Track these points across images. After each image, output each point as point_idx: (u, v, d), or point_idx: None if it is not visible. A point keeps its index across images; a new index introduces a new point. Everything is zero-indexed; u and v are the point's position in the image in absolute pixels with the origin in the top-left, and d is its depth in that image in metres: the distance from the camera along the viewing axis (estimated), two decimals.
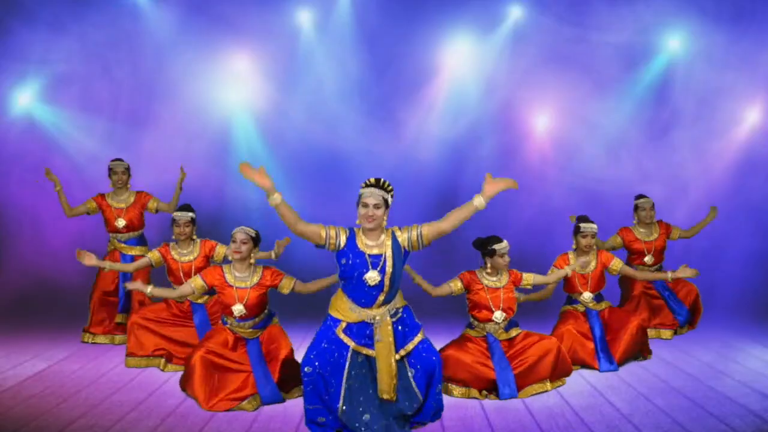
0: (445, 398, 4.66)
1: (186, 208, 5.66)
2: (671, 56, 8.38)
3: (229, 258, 4.78)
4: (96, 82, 8.23)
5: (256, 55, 8.39)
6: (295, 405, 4.54)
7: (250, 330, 4.77)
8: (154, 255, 5.57)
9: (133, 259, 6.31)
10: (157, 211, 6.64)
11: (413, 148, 8.41)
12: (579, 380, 5.10)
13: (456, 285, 4.98)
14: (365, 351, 4.01)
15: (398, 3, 8.39)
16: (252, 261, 4.75)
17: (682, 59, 8.35)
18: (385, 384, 3.95)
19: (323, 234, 3.95)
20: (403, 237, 4.00)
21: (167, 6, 8.21)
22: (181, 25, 8.22)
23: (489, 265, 4.96)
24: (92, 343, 6.23)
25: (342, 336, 4.01)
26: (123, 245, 6.54)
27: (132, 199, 6.55)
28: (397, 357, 4.02)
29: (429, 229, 3.98)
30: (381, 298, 3.98)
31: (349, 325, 4.03)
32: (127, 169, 6.55)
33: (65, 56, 8.08)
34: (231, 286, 4.67)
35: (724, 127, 8.42)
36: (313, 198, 8.06)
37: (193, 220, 5.62)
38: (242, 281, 4.68)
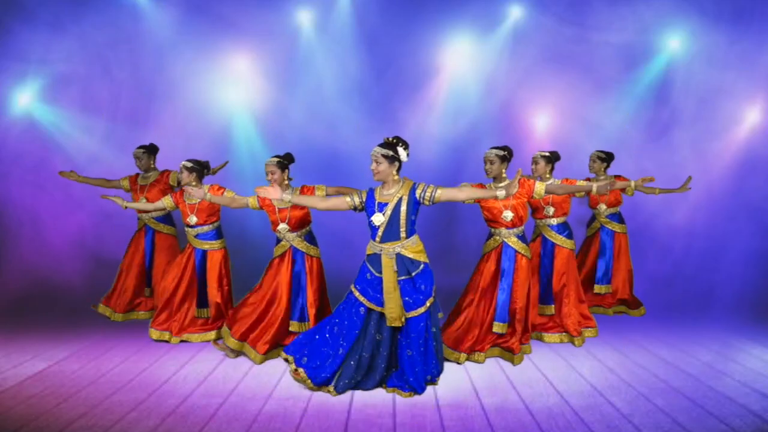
0: (444, 398, 4.68)
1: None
2: (671, 56, 8.38)
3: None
4: (96, 83, 8.23)
5: (256, 55, 8.39)
6: (294, 405, 4.55)
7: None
8: (167, 200, 6.21)
9: (154, 233, 6.98)
10: (178, 183, 6.89)
11: (413, 148, 8.33)
12: (579, 380, 5.10)
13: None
14: (376, 273, 4.84)
15: (398, 3, 8.38)
16: (286, 182, 5.65)
17: (682, 59, 8.35)
18: (393, 312, 4.75)
19: (349, 203, 4.90)
20: (419, 191, 4.82)
21: (167, 6, 8.21)
22: (181, 25, 8.22)
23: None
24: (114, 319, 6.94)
25: (366, 261, 4.93)
26: (153, 221, 6.97)
27: (155, 178, 6.96)
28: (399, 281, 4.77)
29: (442, 193, 4.79)
30: (379, 233, 4.81)
31: (369, 257, 4.90)
32: (145, 152, 6.98)
33: (65, 56, 8.08)
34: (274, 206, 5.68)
35: (724, 127, 8.42)
36: None
37: (188, 168, 6.13)
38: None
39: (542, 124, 8.59)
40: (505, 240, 5.56)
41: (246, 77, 8.44)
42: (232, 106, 8.49)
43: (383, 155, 4.78)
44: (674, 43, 8.31)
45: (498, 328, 5.54)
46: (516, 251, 5.54)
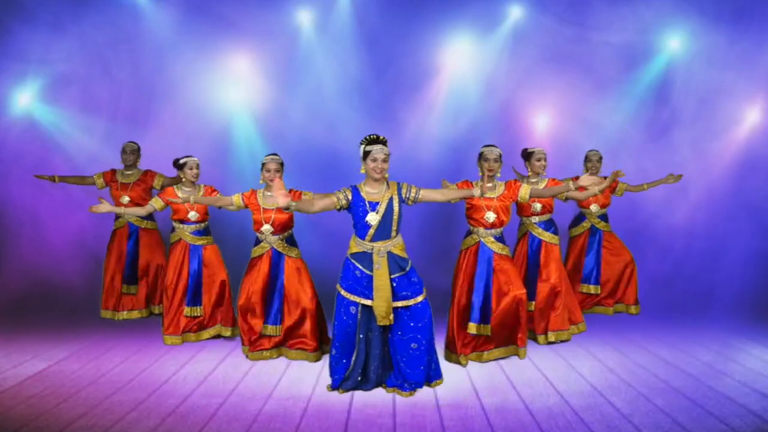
0: (444, 398, 4.68)
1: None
2: (671, 56, 8.38)
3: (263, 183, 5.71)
4: (96, 83, 8.24)
5: (256, 55, 8.40)
6: (294, 405, 4.55)
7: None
8: (158, 202, 6.10)
9: (138, 230, 7.04)
10: (162, 187, 7.00)
11: (413, 148, 8.40)
12: (579, 380, 5.10)
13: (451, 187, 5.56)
14: (367, 271, 4.81)
15: (398, 3, 8.38)
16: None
17: (682, 59, 8.36)
18: (382, 309, 4.73)
19: (336, 203, 4.79)
20: (404, 191, 4.84)
21: (167, 6, 8.21)
22: (181, 25, 8.23)
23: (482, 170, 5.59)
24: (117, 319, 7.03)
25: (352, 259, 4.85)
26: (137, 219, 7.01)
27: (137, 177, 7.04)
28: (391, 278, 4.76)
29: (424, 194, 4.86)
30: (371, 232, 4.75)
31: (355, 255, 4.83)
32: (135, 150, 7.07)
33: (65, 56, 8.09)
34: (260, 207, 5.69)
35: (724, 127, 8.42)
36: None
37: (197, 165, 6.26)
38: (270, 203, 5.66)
39: (542, 124, 8.59)
40: (482, 240, 5.55)
41: (246, 77, 8.44)
42: (232, 106, 8.49)
43: (388, 153, 4.78)
44: (674, 43, 8.31)
45: (473, 329, 5.48)
46: (494, 252, 5.54)
